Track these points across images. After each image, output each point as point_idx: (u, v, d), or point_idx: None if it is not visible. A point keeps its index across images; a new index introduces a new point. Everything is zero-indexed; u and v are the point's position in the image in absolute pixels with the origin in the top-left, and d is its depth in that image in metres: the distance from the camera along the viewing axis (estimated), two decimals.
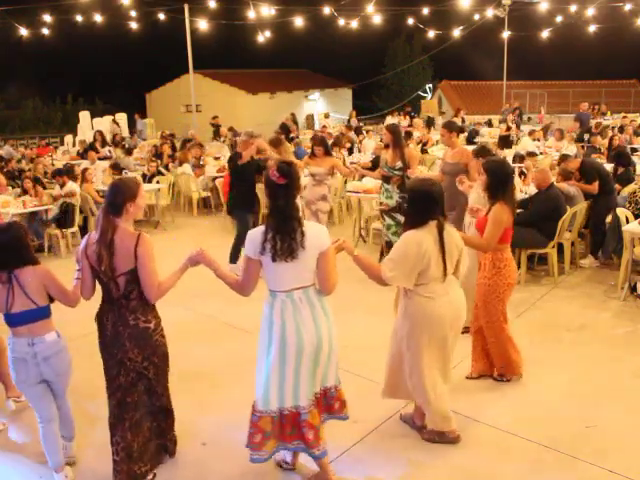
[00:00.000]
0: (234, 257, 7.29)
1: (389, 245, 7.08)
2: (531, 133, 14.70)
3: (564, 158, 8.06)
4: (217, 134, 17.28)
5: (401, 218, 7.06)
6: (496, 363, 4.69)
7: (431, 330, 3.70)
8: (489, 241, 4.33)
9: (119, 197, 3.39)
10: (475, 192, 5.21)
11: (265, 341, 3.34)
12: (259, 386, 3.38)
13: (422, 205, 3.64)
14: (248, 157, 7.14)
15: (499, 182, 4.36)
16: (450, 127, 6.70)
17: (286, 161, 3.38)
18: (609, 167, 9.18)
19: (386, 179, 7.19)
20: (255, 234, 3.25)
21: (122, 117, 20.70)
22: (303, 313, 3.27)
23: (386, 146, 7.31)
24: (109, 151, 14.54)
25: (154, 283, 3.35)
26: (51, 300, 3.59)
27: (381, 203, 7.37)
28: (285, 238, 3.16)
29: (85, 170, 10.22)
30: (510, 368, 4.67)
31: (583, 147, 12.60)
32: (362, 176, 8.85)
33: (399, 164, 7.01)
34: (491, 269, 4.42)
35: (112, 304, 3.41)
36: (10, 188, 10.17)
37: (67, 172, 9.76)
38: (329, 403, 3.55)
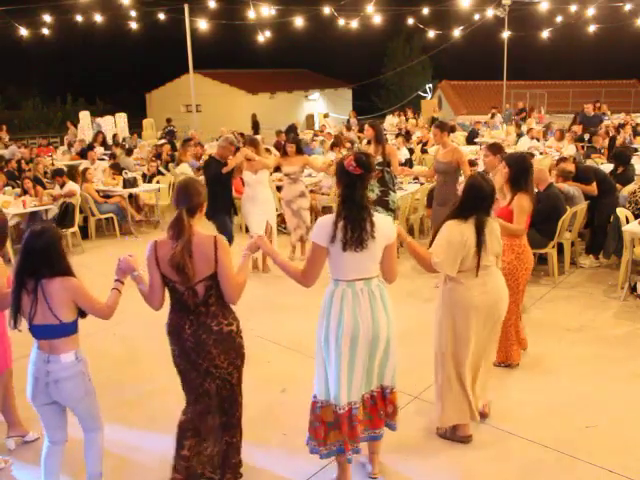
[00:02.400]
0: None
1: None
2: (529, 131, 14.68)
3: (562, 161, 8.06)
4: (172, 136, 18.30)
5: (382, 211, 7.18)
6: (500, 347, 4.75)
7: (463, 317, 3.76)
8: (521, 226, 4.65)
9: (197, 198, 3.21)
10: None
11: (322, 332, 3.34)
12: (319, 378, 3.40)
13: (474, 199, 3.76)
14: (234, 165, 7.08)
15: (521, 173, 4.65)
16: (442, 127, 6.89)
17: (363, 152, 3.43)
18: (609, 167, 9.20)
19: None
20: (326, 222, 3.25)
21: (122, 117, 20.71)
22: (362, 305, 3.26)
23: (368, 142, 7.45)
24: (104, 154, 14.51)
25: (237, 286, 3.18)
26: (83, 314, 3.31)
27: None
28: (356, 228, 3.18)
29: (85, 170, 10.23)
30: (509, 352, 4.88)
31: (583, 147, 12.58)
32: None
33: (379, 159, 7.16)
34: (510, 254, 4.65)
35: (188, 312, 3.19)
36: (10, 188, 10.19)
37: (64, 172, 9.77)
38: (385, 404, 3.52)
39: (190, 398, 3.37)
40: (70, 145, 16.88)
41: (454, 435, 3.97)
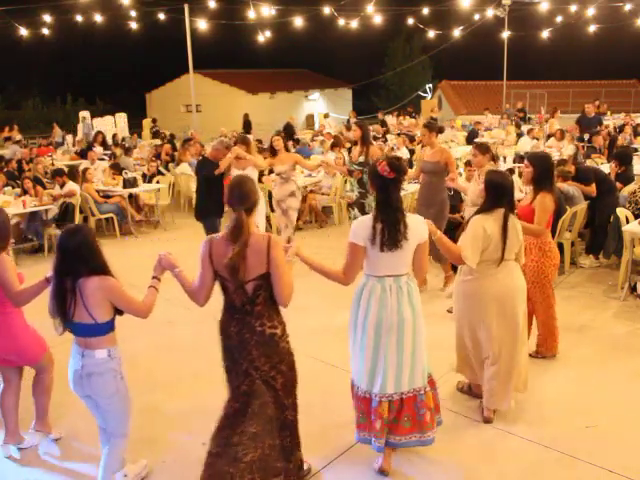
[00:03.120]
0: None
1: None
2: (529, 132, 14.70)
3: (561, 163, 8.05)
4: (157, 136, 18.76)
5: (357, 213, 7.27)
6: (539, 340, 5.07)
7: (484, 307, 4.00)
8: (543, 226, 4.73)
9: (253, 196, 3.16)
10: (474, 186, 5.74)
11: (352, 322, 3.54)
12: (358, 366, 3.55)
13: (494, 194, 3.95)
14: (225, 167, 7.07)
15: (544, 173, 4.74)
16: (430, 127, 6.93)
17: (395, 156, 3.64)
18: (608, 167, 9.19)
19: (350, 172, 7.42)
20: (365, 222, 3.40)
21: (122, 117, 20.71)
22: (389, 300, 3.41)
23: (355, 142, 7.43)
24: (105, 154, 14.51)
25: (289, 286, 3.13)
26: (120, 312, 3.32)
27: (342, 197, 7.57)
28: (392, 229, 3.35)
29: (85, 170, 10.23)
30: (550, 344, 5.05)
31: (583, 147, 12.57)
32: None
33: (361, 159, 7.19)
34: (537, 252, 4.80)
35: (235, 311, 3.18)
36: (10, 188, 10.19)
37: (64, 172, 9.76)
38: (419, 412, 3.52)
39: (230, 397, 3.32)
40: (58, 145, 17.01)
41: (470, 391, 4.45)
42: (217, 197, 7.15)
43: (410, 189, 9.30)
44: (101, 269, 3.23)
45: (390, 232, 3.34)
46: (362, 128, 7.28)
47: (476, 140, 16.29)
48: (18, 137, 17.66)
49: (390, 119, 22.41)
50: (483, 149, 5.93)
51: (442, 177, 6.53)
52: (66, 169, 10.21)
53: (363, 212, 7.41)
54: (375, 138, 15.69)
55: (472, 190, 5.87)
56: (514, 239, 3.97)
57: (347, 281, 3.48)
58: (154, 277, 3.36)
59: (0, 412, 4.00)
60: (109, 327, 3.29)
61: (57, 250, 3.24)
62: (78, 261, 3.17)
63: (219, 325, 3.28)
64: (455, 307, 4.32)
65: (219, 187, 7.18)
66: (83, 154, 14.38)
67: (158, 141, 17.12)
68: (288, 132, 16.07)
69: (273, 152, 8.00)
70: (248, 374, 3.20)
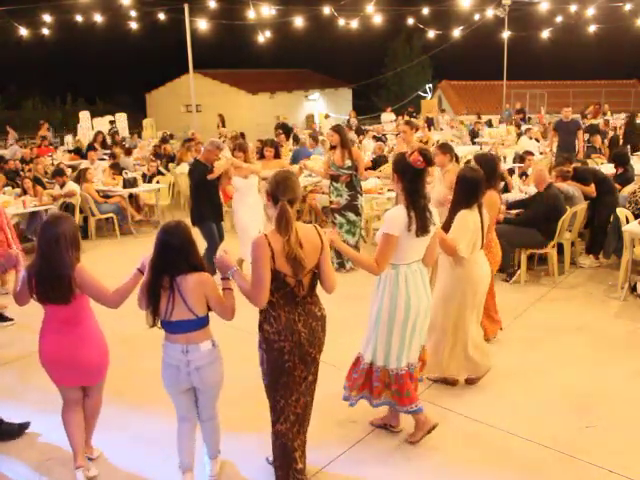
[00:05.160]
0: (211, 270, 7.17)
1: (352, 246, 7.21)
2: (527, 131, 14.69)
3: (560, 163, 8.05)
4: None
5: (352, 215, 7.29)
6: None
7: (476, 289, 4.38)
8: (493, 221, 5.07)
9: (297, 189, 3.26)
10: (438, 187, 5.98)
11: (388, 310, 3.69)
12: (380, 346, 3.79)
13: (473, 190, 4.27)
14: (219, 172, 6.93)
15: (491, 173, 4.89)
16: (411, 124, 7.38)
17: (425, 148, 3.88)
18: (608, 167, 9.20)
19: (335, 178, 7.42)
20: (399, 213, 3.60)
21: (122, 117, 20.71)
22: (418, 281, 3.72)
23: (332, 147, 7.41)
24: (104, 154, 14.50)
25: (334, 274, 3.35)
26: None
27: (331, 202, 7.60)
28: (423, 216, 3.61)
29: (85, 170, 10.23)
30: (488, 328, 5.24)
31: (583, 147, 12.55)
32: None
33: (348, 163, 7.24)
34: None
35: (296, 305, 3.23)
36: (10, 188, 10.19)
37: (64, 172, 9.77)
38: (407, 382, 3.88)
39: (290, 398, 3.30)
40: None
41: (445, 380, 4.64)
42: (213, 201, 7.02)
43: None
44: (200, 265, 3.25)
45: (422, 218, 3.59)
46: (340, 133, 7.36)
47: (476, 140, 16.35)
48: (12, 140, 17.65)
49: (385, 116, 22.44)
50: (445, 149, 6.13)
51: None
52: (68, 170, 10.22)
53: (357, 214, 7.43)
54: (376, 138, 15.69)
55: (437, 190, 5.94)
56: (485, 227, 4.40)
57: (379, 270, 3.65)
58: (223, 279, 3.31)
59: (67, 433, 3.67)
60: (208, 319, 3.32)
61: (158, 247, 3.20)
62: (181, 258, 3.18)
63: (274, 326, 3.19)
64: (442, 295, 4.41)
65: (214, 191, 7.05)
66: (82, 154, 14.39)
67: (156, 140, 17.03)
68: (286, 130, 15.94)
69: (261, 157, 7.92)
70: (315, 361, 3.35)
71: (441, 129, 18.12)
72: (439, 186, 5.96)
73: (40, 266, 3.41)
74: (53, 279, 3.37)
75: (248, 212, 7.16)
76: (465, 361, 4.49)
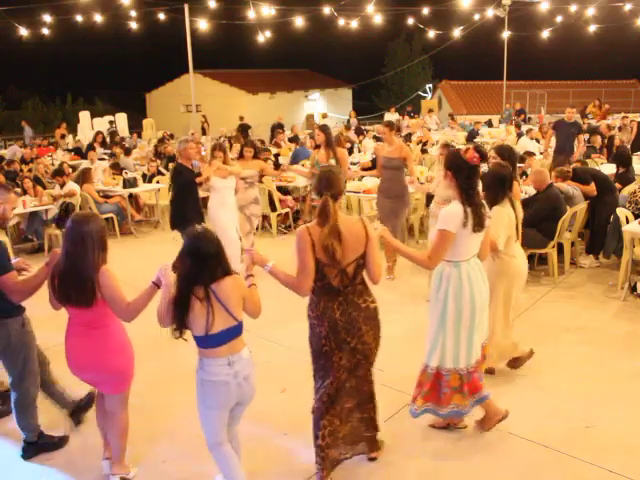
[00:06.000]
0: None
1: None
2: (528, 132, 14.69)
3: (560, 163, 8.06)
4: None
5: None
6: None
7: (512, 282, 4.48)
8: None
9: (340, 184, 3.37)
10: (442, 185, 5.89)
11: (454, 309, 3.70)
12: (445, 349, 3.78)
13: (502, 185, 4.30)
14: (208, 175, 6.88)
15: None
16: (391, 126, 7.36)
17: (479, 145, 3.95)
18: (608, 167, 9.19)
19: None
20: (456, 210, 3.62)
21: (122, 117, 20.72)
22: (478, 277, 3.76)
23: (317, 146, 7.45)
24: (104, 154, 14.50)
25: (380, 265, 3.42)
26: None
27: (312, 199, 7.58)
28: (479, 211, 3.65)
29: (88, 170, 10.22)
30: None
31: (582, 150, 12.53)
32: (362, 176, 8.91)
33: (332, 162, 7.24)
34: None
35: (337, 294, 3.34)
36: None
37: (64, 172, 9.76)
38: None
39: (326, 381, 3.44)
40: None
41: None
42: (194, 204, 6.91)
43: (410, 189, 9.28)
44: (229, 270, 3.11)
45: (479, 214, 3.63)
46: (325, 132, 7.43)
47: (476, 140, 16.34)
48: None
49: (389, 116, 22.41)
50: (449, 148, 6.11)
51: (402, 171, 7.11)
52: (69, 171, 10.22)
53: None
54: (376, 138, 15.68)
55: (444, 185, 5.89)
56: (520, 219, 4.46)
57: (432, 265, 3.71)
58: (248, 276, 3.27)
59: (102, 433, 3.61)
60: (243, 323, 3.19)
61: (194, 256, 3.02)
62: (217, 264, 3.04)
63: (315, 312, 3.40)
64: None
65: (195, 194, 6.97)
66: (81, 154, 14.40)
67: (155, 140, 17.04)
68: (244, 130, 15.80)
69: (241, 157, 7.80)
70: (355, 350, 3.40)
71: (429, 129, 18.06)
72: (443, 182, 5.96)
73: (64, 266, 3.31)
74: (75, 280, 3.27)
75: (226, 213, 7.10)
76: (502, 349, 4.65)
